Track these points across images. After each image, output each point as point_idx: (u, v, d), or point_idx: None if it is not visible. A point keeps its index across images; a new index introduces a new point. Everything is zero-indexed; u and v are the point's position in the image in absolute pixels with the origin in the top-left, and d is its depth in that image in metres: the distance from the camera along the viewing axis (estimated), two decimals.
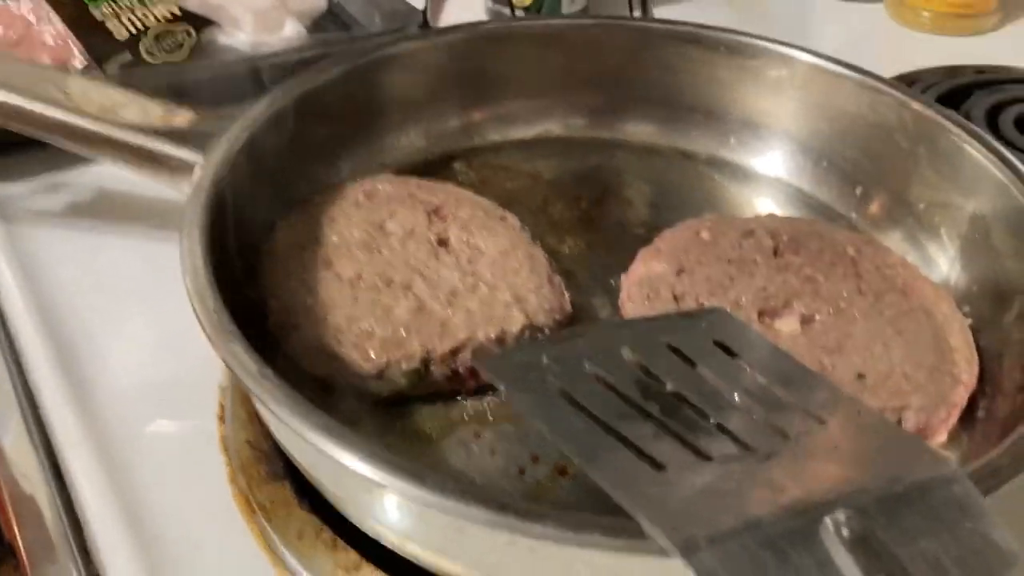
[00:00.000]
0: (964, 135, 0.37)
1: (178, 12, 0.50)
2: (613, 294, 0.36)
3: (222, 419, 0.33)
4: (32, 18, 0.47)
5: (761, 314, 0.33)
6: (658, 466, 0.22)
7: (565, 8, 0.64)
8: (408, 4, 0.61)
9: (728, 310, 0.32)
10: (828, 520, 0.20)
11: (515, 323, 0.32)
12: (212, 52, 0.50)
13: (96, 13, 0.47)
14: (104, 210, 0.44)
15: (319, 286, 0.33)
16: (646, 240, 0.38)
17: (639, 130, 0.45)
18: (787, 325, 0.33)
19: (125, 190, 0.45)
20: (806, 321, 0.33)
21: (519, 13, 0.63)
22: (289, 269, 0.34)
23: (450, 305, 0.33)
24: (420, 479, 0.21)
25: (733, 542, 0.20)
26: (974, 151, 0.36)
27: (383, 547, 0.26)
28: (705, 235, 0.37)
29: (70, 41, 0.46)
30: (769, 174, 0.43)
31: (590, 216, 0.42)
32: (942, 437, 0.30)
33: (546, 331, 0.33)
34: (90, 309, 0.39)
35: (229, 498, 0.30)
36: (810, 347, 0.32)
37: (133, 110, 0.37)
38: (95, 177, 0.45)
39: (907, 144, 0.39)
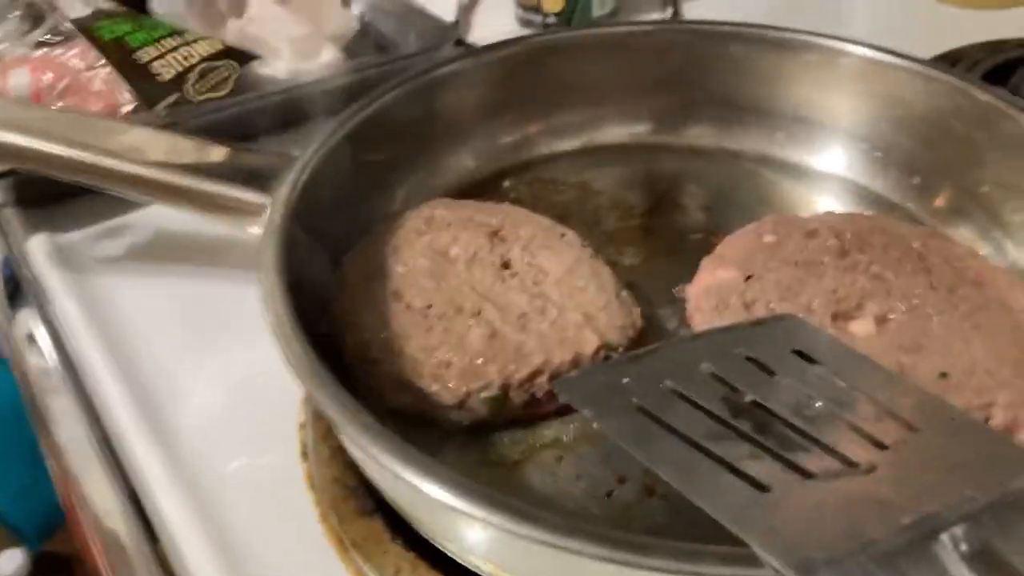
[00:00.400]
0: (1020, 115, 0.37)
1: (221, 48, 0.50)
2: (679, 305, 0.36)
3: (305, 456, 0.33)
4: (80, 64, 0.48)
5: (835, 317, 0.33)
6: (762, 487, 0.22)
7: (596, 11, 0.64)
8: (441, 20, 0.61)
9: (800, 316, 0.32)
10: (944, 536, 0.20)
11: (589, 344, 0.32)
12: (255, 84, 0.50)
13: (142, 56, 0.47)
14: (165, 251, 0.45)
15: (392, 318, 0.33)
16: (705, 246, 0.38)
17: (690, 133, 0.45)
18: (862, 327, 0.32)
19: (183, 229, 0.45)
20: (881, 321, 0.33)
21: (550, 19, 0.63)
22: (361, 302, 0.34)
23: (522, 330, 0.33)
24: (529, 517, 0.21)
25: (851, 562, 0.20)
26: None
27: None
28: (769, 239, 0.37)
29: (118, 85, 0.47)
30: (824, 169, 0.43)
31: (645, 225, 0.42)
32: None
33: (620, 349, 0.33)
34: (161, 350, 0.39)
35: (320, 536, 0.30)
36: (888, 348, 0.31)
37: (187, 153, 0.37)
38: (153, 218, 0.46)
39: (964, 129, 0.39)
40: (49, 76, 0.47)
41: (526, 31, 0.65)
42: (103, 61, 0.47)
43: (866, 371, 0.28)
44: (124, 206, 0.46)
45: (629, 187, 0.44)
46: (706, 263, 0.37)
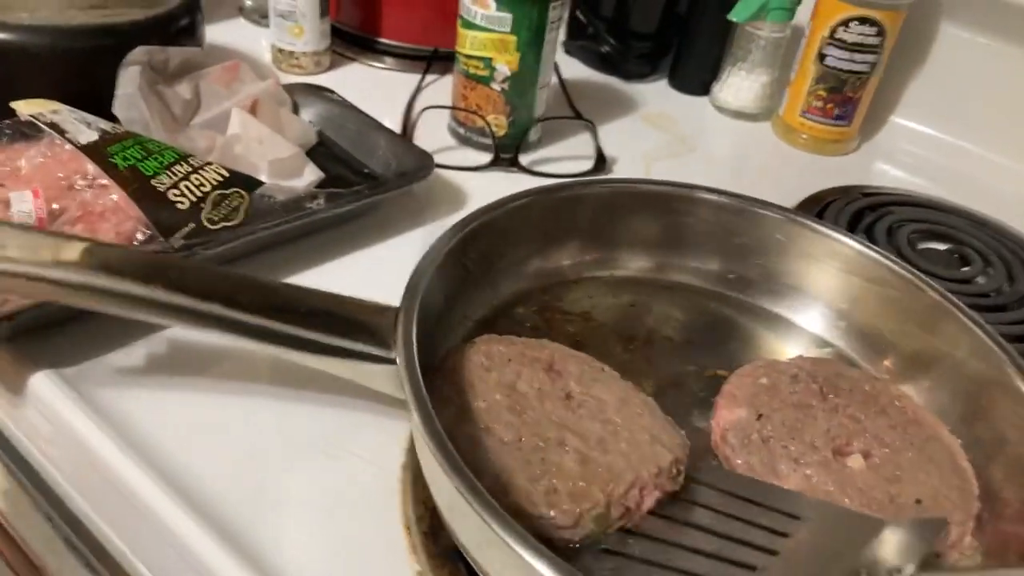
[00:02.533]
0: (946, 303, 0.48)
1: (227, 175, 0.51)
2: (696, 433, 0.44)
3: None
4: (90, 195, 0.46)
5: (835, 453, 0.43)
6: None
7: (532, 137, 0.71)
8: (401, 140, 0.65)
9: (807, 450, 0.42)
10: None
11: (664, 459, 0.39)
12: (263, 208, 0.51)
13: (158, 185, 0.47)
14: (189, 372, 0.45)
15: (492, 455, 0.38)
16: (701, 379, 0.47)
17: (684, 274, 0.55)
18: (855, 462, 0.42)
19: (201, 348, 0.46)
20: (867, 456, 0.43)
21: (485, 139, 0.69)
22: (459, 442, 0.37)
23: (605, 452, 0.39)
24: None
25: None
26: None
27: None
28: (764, 380, 0.46)
29: (134, 216, 0.46)
30: (797, 323, 0.53)
31: (647, 356, 0.49)
32: (969, 539, 0.41)
33: (683, 464, 0.40)
34: (222, 477, 0.40)
35: None
36: (878, 480, 0.41)
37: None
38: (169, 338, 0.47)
39: (909, 312, 0.49)
40: (55, 206, 0.45)
41: (464, 147, 0.71)
42: (120, 190, 0.46)
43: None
44: (132, 329, 0.46)
45: (625, 319, 0.52)
46: (721, 402, 0.45)
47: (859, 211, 0.70)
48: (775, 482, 0.41)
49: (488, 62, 0.66)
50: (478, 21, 0.65)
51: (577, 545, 0.37)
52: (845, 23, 0.75)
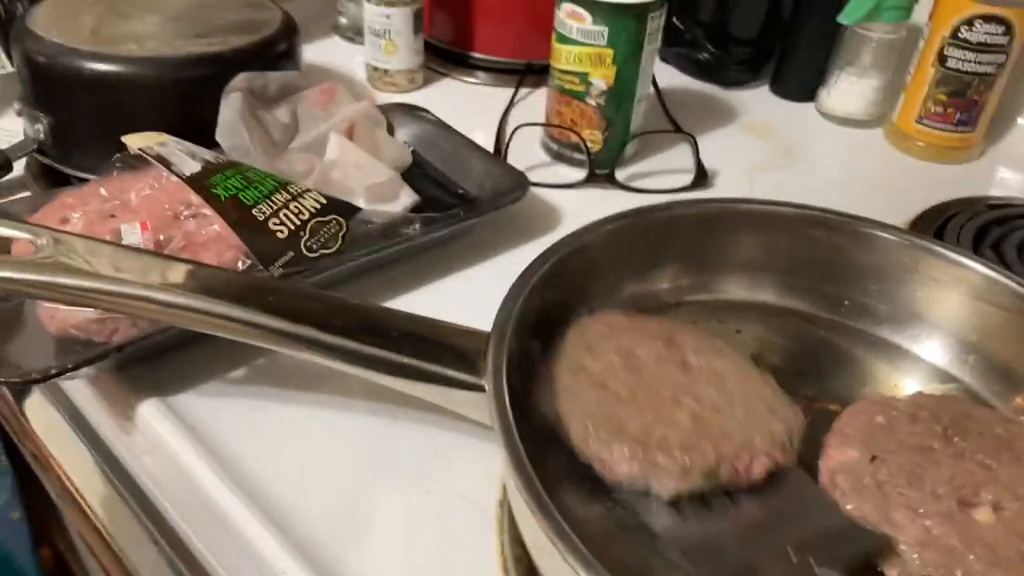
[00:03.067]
0: None
1: (325, 201, 0.51)
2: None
3: None
4: (194, 225, 0.47)
5: (960, 504, 0.39)
6: None
7: (628, 152, 0.70)
8: (495, 159, 0.64)
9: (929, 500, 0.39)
10: None
11: (778, 427, 0.39)
12: (360, 234, 0.51)
13: (258, 214, 0.48)
14: (295, 394, 0.46)
15: (608, 404, 0.39)
16: (812, 412, 0.43)
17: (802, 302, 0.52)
18: (984, 515, 0.39)
19: (296, 373, 0.47)
20: (997, 509, 0.39)
21: (580, 156, 0.67)
22: (577, 394, 0.39)
23: (719, 415, 0.39)
24: None
25: None
26: None
27: None
28: (879, 419, 0.43)
29: (235, 245, 0.47)
30: (918, 353, 0.49)
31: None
32: None
33: (796, 437, 0.40)
34: (315, 497, 0.41)
35: None
36: (1009, 536, 0.37)
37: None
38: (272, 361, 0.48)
39: None
40: (161, 237, 0.46)
41: (558, 163, 0.70)
42: (220, 220, 0.47)
43: None
44: (232, 355, 0.48)
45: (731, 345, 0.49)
46: (832, 441, 0.42)
47: (985, 225, 0.65)
48: (890, 533, 0.38)
49: (584, 77, 0.64)
50: (574, 35, 0.63)
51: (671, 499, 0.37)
52: (969, 22, 0.70)
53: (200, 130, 0.56)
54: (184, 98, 0.59)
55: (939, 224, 0.65)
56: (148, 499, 0.49)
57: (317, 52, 0.86)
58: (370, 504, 0.41)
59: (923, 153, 0.77)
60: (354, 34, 0.89)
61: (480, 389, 0.37)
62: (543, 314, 0.43)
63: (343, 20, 0.90)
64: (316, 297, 0.40)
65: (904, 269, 0.49)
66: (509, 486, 0.37)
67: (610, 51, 0.63)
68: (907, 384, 0.47)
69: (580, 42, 0.63)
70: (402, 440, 0.45)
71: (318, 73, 0.80)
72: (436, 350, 0.38)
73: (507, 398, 0.36)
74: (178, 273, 0.39)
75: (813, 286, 0.51)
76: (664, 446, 0.37)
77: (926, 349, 0.49)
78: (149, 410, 0.45)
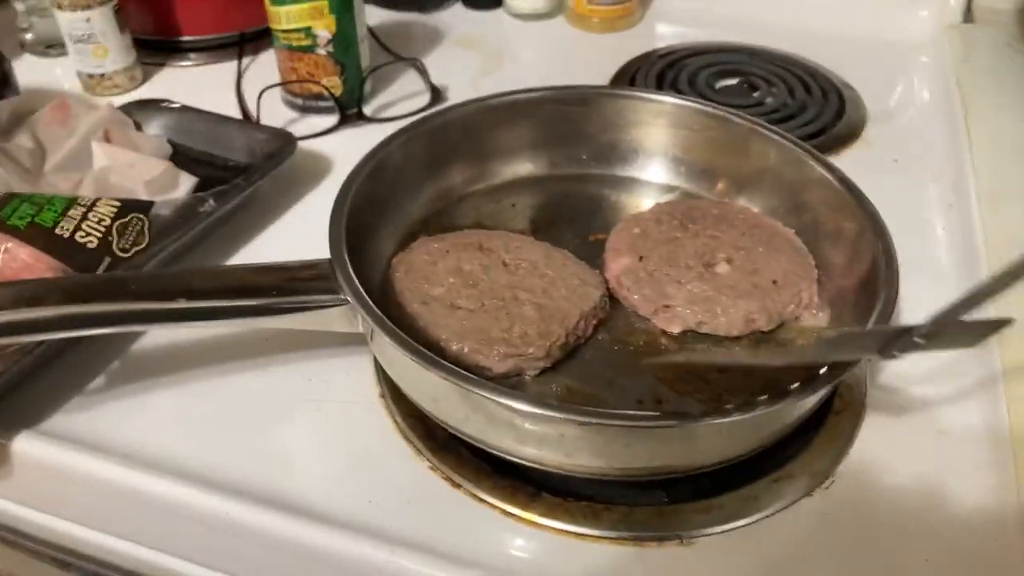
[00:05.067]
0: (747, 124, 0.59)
1: (119, 204, 0.53)
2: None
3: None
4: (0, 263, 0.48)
5: (705, 267, 0.53)
6: None
7: (367, 89, 0.76)
8: (258, 127, 0.68)
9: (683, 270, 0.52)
10: None
11: (596, 295, 0.50)
12: (162, 225, 0.54)
13: (62, 232, 0.49)
14: (167, 373, 0.50)
15: (464, 322, 0.47)
16: (589, 246, 0.56)
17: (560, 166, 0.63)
18: (722, 268, 0.53)
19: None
20: (730, 262, 0.53)
21: (327, 103, 0.73)
22: (434, 320, 0.47)
23: (551, 298, 0.49)
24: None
25: None
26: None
27: None
28: (636, 230, 0.56)
29: (52, 266, 0.49)
30: (645, 179, 0.63)
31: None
32: (816, 299, 0.53)
33: (606, 297, 0.51)
34: (232, 454, 0.46)
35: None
36: (742, 276, 0.52)
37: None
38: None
39: (726, 143, 0.60)
40: None
41: (307, 116, 0.75)
42: (25, 247, 0.48)
43: None
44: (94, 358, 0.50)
45: (510, 218, 0.59)
46: (609, 256, 0.54)
47: (661, 71, 0.81)
48: (666, 303, 0.51)
49: (308, 31, 0.70)
50: None
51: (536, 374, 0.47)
52: None
53: None
54: None
55: (629, 79, 0.80)
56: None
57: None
58: (279, 442, 0.47)
59: (599, 27, 0.91)
60: (45, 47, 0.86)
61: (343, 302, 0.44)
62: (362, 230, 0.50)
63: (29, 36, 0.86)
64: (170, 275, 0.44)
65: (618, 117, 0.62)
66: (384, 351, 0.44)
67: (325, 2, 0.68)
68: (646, 201, 0.61)
69: (295, 0, 0.68)
70: (278, 382, 0.50)
71: (35, 94, 0.77)
72: (294, 285, 0.44)
73: (368, 299, 0.43)
74: (39, 288, 0.42)
75: (557, 151, 0.63)
76: (527, 339, 0.46)
77: (650, 173, 0.63)
78: (24, 444, 0.47)
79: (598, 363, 0.48)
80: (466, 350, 0.46)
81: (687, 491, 0.44)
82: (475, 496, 0.44)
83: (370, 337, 0.45)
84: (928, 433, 0.47)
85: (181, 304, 0.42)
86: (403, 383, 0.45)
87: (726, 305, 0.50)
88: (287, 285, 0.45)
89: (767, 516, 0.43)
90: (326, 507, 0.43)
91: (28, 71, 0.83)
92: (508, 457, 0.42)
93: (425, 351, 0.40)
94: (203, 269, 0.44)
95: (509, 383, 0.46)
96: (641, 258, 0.54)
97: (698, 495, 0.44)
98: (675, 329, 0.51)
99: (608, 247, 0.55)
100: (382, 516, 0.43)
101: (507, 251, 0.52)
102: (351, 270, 0.44)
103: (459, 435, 0.44)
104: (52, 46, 0.86)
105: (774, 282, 0.52)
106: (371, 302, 0.43)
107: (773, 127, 0.59)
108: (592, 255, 0.55)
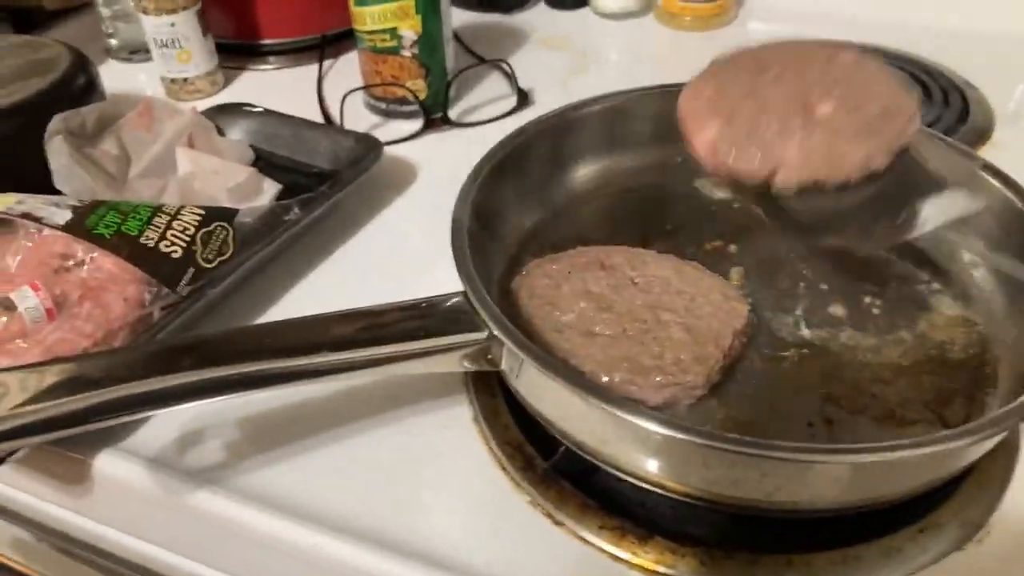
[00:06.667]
0: None
1: (202, 211, 0.51)
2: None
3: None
4: (85, 272, 0.46)
5: (804, 109, 0.43)
6: None
7: (452, 92, 0.73)
8: (344, 133, 0.66)
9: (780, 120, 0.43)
10: None
11: (743, 311, 0.44)
12: (246, 233, 0.52)
13: (147, 242, 0.47)
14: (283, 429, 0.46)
15: (607, 351, 0.41)
16: (700, 247, 0.51)
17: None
18: (824, 109, 0.43)
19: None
20: (830, 101, 0.43)
21: (412, 107, 0.70)
22: (573, 350, 0.41)
23: (697, 317, 0.43)
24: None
25: None
26: None
27: None
28: (708, 92, 0.46)
29: (136, 278, 0.47)
30: None
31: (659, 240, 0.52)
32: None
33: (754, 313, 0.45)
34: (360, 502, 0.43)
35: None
36: (847, 114, 0.42)
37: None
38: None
39: None
40: (58, 291, 0.45)
41: (391, 121, 0.72)
42: (110, 256, 0.47)
43: None
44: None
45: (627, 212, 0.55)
46: (689, 127, 0.45)
47: None
48: (778, 162, 0.42)
49: (393, 32, 0.67)
50: None
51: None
52: None
53: (33, 182, 0.54)
54: (8, 154, 0.55)
55: None
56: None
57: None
58: (403, 492, 0.43)
59: (692, 25, 0.87)
60: (129, 53, 0.86)
61: (483, 342, 0.40)
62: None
63: (114, 42, 0.85)
64: (307, 323, 0.40)
65: None
66: (525, 372, 0.39)
67: (411, 2, 0.66)
68: None
69: (381, 0, 0.66)
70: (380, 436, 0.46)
71: (120, 100, 0.77)
72: (430, 325, 0.40)
73: (522, 336, 0.38)
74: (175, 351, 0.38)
75: (643, 151, 0.57)
76: (683, 366, 0.41)
77: None
78: (104, 461, 0.45)
79: (750, 384, 0.43)
80: (617, 380, 0.40)
81: (810, 535, 0.39)
82: (577, 536, 0.40)
83: (515, 374, 0.40)
84: None
85: (316, 359, 0.38)
86: (561, 421, 0.40)
87: (844, 150, 0.42)
88: (432, 326, 0.40)
89: (912, 574, 0.38)
90: (425, 546, 0.40)
91: (113, 77, 0.82)
92: (686, 500, 0.38)
93: (595, 386, 0.36)
94: (304, 319, 0.40)
95: (663, 416, 0.40)
96: (729, 120, 0.44)
97: (828, 542, 0.39)
98: (792, 186, 0.42)
99: (683, 117, 0.46)
100: (475, 553, 0.39)
101: (632, 267, 0.47)
102: (493, 303, 0.39)
103: (624, 476, 0.39)
104: (136, 51, 0.85)
105: (883, 112, 0.43)
106: (524, 338, 0.38)
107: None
108: (715, 264, 0.49)
